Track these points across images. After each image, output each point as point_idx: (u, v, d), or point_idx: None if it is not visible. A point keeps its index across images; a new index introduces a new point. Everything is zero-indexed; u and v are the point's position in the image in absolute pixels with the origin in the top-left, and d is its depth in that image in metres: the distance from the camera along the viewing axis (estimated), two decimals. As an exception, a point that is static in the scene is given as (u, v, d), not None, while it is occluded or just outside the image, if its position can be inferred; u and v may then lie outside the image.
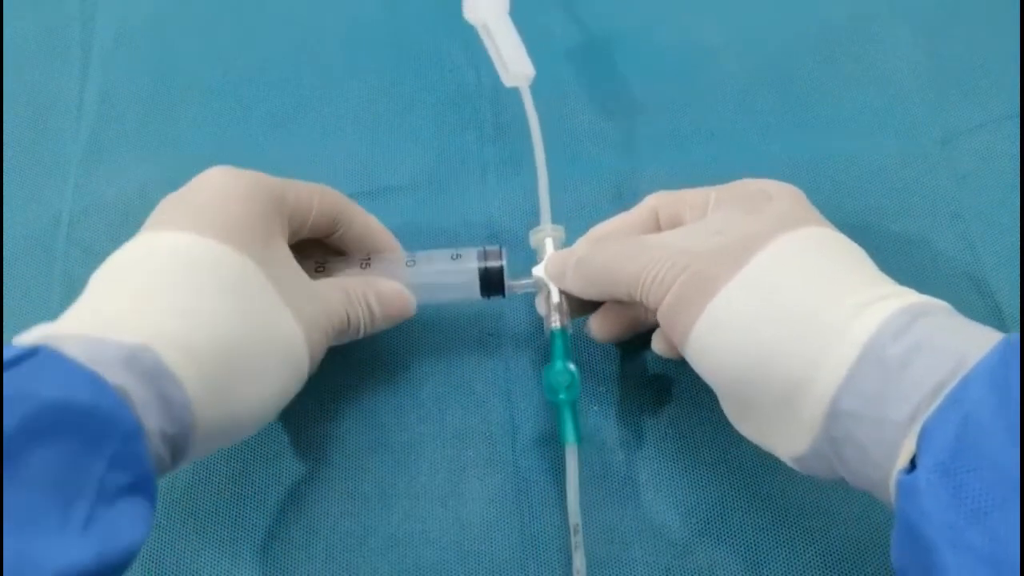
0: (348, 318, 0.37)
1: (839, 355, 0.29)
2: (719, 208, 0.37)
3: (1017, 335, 0.27)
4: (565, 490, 0.37)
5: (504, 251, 0.40)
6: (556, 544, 0.39)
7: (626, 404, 0.42)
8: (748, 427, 0.34)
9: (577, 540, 0.36)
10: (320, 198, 0.38)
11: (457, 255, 0.40)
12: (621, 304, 0.39)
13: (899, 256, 0.45)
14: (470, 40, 0.45)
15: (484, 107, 0.50)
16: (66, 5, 0.54)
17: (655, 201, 0.40)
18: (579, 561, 0.36)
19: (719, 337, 0.32)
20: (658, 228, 0.40)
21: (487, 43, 0.44)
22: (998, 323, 0.43)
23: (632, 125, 0.50)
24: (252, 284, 0.33)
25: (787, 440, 0.32)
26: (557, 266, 0.39)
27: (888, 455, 0.28)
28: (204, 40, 0.53)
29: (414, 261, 0.40)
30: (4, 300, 0.45)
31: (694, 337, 0.33)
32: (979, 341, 0.27)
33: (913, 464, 0.27)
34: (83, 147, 0.50)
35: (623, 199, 0.47)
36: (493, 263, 0.40)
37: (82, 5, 0.54)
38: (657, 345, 0.39)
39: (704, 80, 0.51)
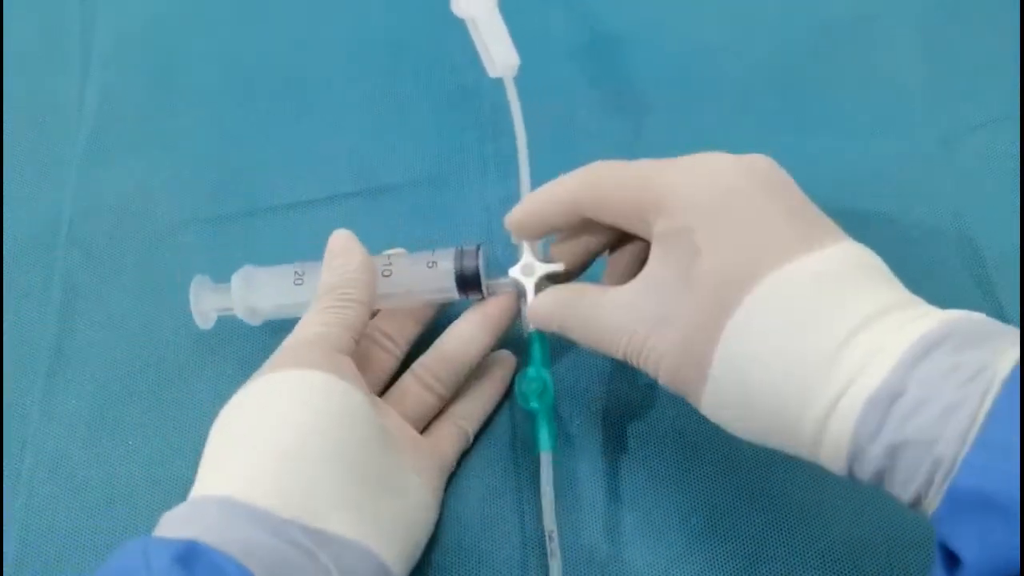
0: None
1: (829, 463, 0.29)
2: (651, 263, 0.34)
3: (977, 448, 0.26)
4: (568, 486, 0.37)
5: (482, 251, 0.40)
6: (558, 543, 0.38)
7: (625, 403, 0.42)
8: None
9: (553, 547, 0.36)
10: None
11: (433, 262, 0.40)
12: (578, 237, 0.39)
13: (900, 256, 0.45)
14: (470, 40, 0.45)
15: (484, 107, 0.50)
16: (66, 5, 0.54)
17: (581, 184, 0.36)
18: (555, 569, 0.36)
19: (720, 413, 0.32)
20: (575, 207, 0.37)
21: (473, 35, 0.44)
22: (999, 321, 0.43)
23: (631, 125, 0.50)
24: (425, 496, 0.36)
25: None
26: (539, 320, 0.38)
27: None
28: (204, 40, 0.53)
29: (390, 269, 0.40)
30: (4, 300, 0.45)
31: (703, 409, 0.33)
32: (951, 427, 0.26)
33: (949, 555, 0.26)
34: (83, 147, 0.50)
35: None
36: (469, 263, 0.39)
37: (82, 5, 0.54)
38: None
39: (704, 80, 0.51)
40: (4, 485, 0.41)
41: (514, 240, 0.40)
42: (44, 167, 0.49)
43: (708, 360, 0.31)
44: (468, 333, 0.40)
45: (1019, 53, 0.50)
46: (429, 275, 0.39)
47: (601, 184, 0.36)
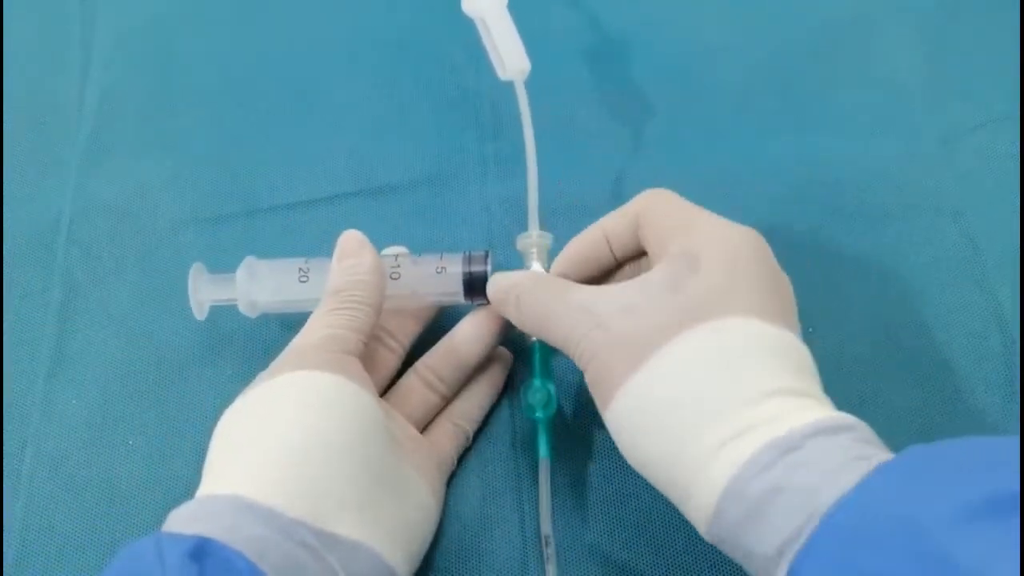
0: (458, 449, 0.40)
1: (705, 490, 0.30)
2: (654, 268, 0.35)
3: (868, 481, 0.27)
4: (567, 484, 0.37)
5: (490, 256, 0.40)
6: (558, 542, 0.38)
7: (626, 404, 0.42)
8: None
9: (549, 552, 0.37)
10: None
11: (442, 267, 0.40)
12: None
13: (901, 256, 0.45)
14: (470, 40, 0.45)
15: (484, 107, 0.50)
16: (66, 5, 0.54)
17: (640, 208, 0.38)
18: (552, 573, 0.36)
19: (618, 432, 0.33)
20: (636, 242, 0.38)
21: (484, 36, 0.44)
22: (999, 322, 0.43)
23: (631, 125, 0.50)
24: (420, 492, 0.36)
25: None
26: (498, 294, 0.38)
27: None
28: (204, 40, 0.53)
29: (398, 272, 0.40)
30: (4, 300, 0.45)
31: (606, 422, 0.34)
32: (839, 481, 0.27)
33: None
34: (83, 147, 0.50)
35: (621, 199, 0.47)
36: (477, 269, 0.39)
37: (82, 5, 0.54)
38: None
39: (704, 80, 0.51)
40: (4, 485, 0.41)
41: (520, 248, 0.40)
42: (44, 167, 0.49)
43: (634, 367, 0.32)
44: (472, 334, 0.40)
45: (1019, 53, 0.50)
46: (438, 279, 0.40)
47: (656, 202, 0.38)
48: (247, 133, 0.50)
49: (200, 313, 0.41)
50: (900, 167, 0.48)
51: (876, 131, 0.49)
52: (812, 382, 0.32)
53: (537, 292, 0.37)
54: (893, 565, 0.24)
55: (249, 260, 0.40)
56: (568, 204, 0.46)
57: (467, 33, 0.45)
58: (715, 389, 0.31)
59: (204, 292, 0.41)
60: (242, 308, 0.40)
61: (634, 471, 0.40)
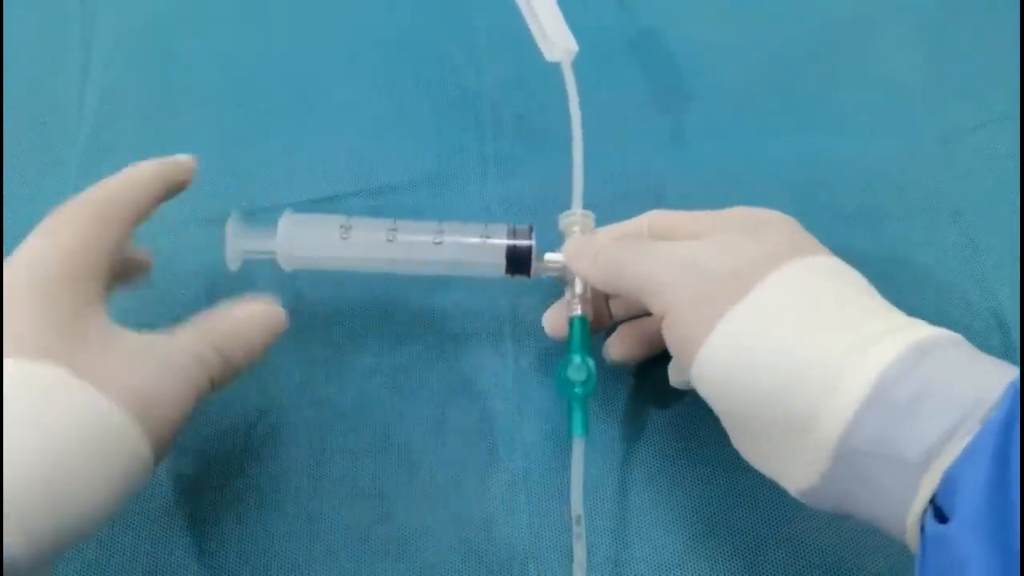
0: (211, 381, 0.34)
1: (845, 396, 0.29)
2: (719, 232, 0.36)
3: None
4: (569, 485, 0.37)
5: (533, 231, 0.40)
6: (558, 542, 0.39)
7: (627, 403, 0.42)
8: (753, 456, 0.34)
9: (579, 531, 0.36)
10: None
11: (486, 235, 0.40)
12: (635, 325, 0.39)
13: (901, 256, 0.45)
14: (471, 40, 0.45)
15: (484, 107, 0.50)
16: (66, 5, 0.54)
17: (649, 219, 0.40)
18: (580, 552, 0.36)
19: (720, 368, 0.32)
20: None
21: (528, 17, 0.43)
22: (999, 322, 0.43)
23: (631, 125, 0.50)
24: (61, 400, 0.29)
25: (794, 474, 0.31)
26: (577, 249, 0.39)
27: (903, 494, 0.28)
28: (204, 40, 0.53)
29: (442, 239, 0.40)
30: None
31: (696, 364, 0.33)
32: (990, 381, 0.27)
33: (937, 509, 0.27)
34: (83, 147, 0.50)
35: (623, 199, 0.47)
36: (522, 241, 0.40)
37: (82, 5, 0.54)
38: (674, 377, 0.39)
39: (704, 80, 0.51)
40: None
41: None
42: (44, 167, 0.49)
43: (738, 297, 0.32)
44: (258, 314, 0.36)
45: (1019, 53, 0.50)
46: (479, 251, 0.40)
47: (670, 212, 0.39)
48: (247, 133, 0.50)
49: (234, 263, 0.40)
50: (900, 167, 0.48)
51: (876, 131, 0.49)
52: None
53: (618, 243, 0.37)
54: None
55: (289, 213, 0.40)
56: (568, 203, 0.46)
57: (467, 33, 0.45)
58: (837, 303, 0.32)
59: (241, 244, 0.40)
60: (280, 260, 0.40)
61: (635, 470, 0.40)
